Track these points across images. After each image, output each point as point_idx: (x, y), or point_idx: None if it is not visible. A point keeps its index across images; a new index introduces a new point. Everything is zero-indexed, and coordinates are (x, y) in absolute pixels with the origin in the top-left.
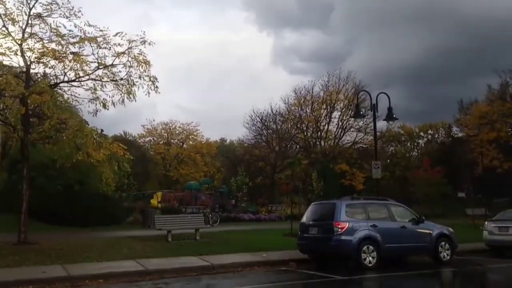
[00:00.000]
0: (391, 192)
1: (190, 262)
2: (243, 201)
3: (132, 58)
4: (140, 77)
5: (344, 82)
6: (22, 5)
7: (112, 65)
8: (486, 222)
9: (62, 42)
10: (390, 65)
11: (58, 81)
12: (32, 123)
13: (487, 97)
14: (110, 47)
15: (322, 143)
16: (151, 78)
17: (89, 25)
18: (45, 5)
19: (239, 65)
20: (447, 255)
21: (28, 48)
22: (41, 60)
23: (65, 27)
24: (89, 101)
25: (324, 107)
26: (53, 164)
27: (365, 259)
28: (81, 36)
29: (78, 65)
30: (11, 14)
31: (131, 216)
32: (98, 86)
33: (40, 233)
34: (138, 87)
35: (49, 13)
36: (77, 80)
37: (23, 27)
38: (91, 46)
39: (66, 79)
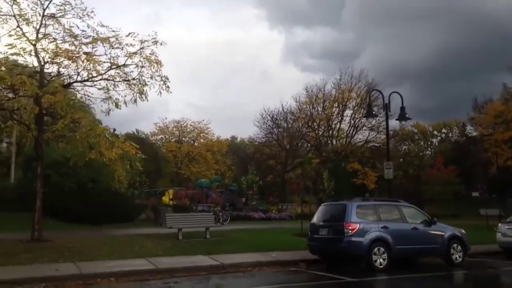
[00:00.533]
0: (404, 191)
1: (200, 261)
2: (253, 199)
3: (144, 58)
4: (151, 77)
5: (356, 80)
6: (36, 6)
7: (125, 65)
8: (499, 224)
9: (75, 42)
10: (404, 62)
11: (71, 81)
12: (46, 122)
13: (502, 96)
14: (122, 47)
15: (334, 141)
16: (163, 78)
17: (102, 26)
18: (59, 5)
19: (250, 63)
20: (459, 257)
21: (42, 49)
22: (55, 60)
23: (78, 28)
24: (102, 101)
25: (336, 105)
26: (67, 162)
27: (375, 260)
28: (93, 36)
29: (91, 65)
30: (25, 15)
31: (143, 213)
32: (110, 86)
33: (55, 231)
34: (150, 87)
35: (62, 13)
36: (90, 80)
37: (37, 27)
38: (104, 46)
39: (79, 78)
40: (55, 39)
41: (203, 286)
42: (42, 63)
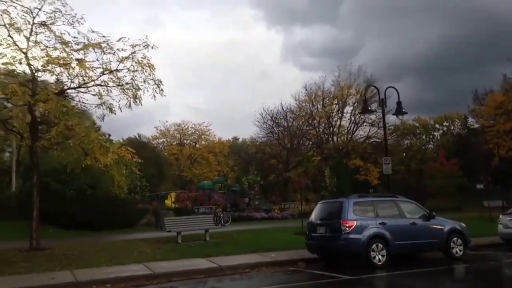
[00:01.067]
0: (406, 186)
1: (198, 264)
2: (256, 199)
3: (136, 62)
4: (144, 81)
5: (355, 76)
6: (25, 14)
7: (117, 70)
8: (501, 215)
9: (67, 49)
10: (403, 57)
11: (64, 88)
12: (41, 130)
13: (502, 87)
14: (114, 52)
15: (335, 138)
16: (156, 82)
17: (92, 31)
18: (49, 13)
19: (249, 64)
20: (460, 250)
21: (33, 57)
22: (47, 68)
23: (69, 34)
24: (96, 106)
25: (336, 102)
26: (65, 169)
27: (374, 257)
28: (84, 42)
29: (83, 71)
30: (16, 24)
31: (145, 218)
32: (104, 91)
33: (54, 238)
34: (144, 91)
35: (52, 21)
36: (82, 86)
37: (28, 35)
38: (95, 52)
39: (72, 85)
40: (46, 47)
41: None
42: (34, 71)
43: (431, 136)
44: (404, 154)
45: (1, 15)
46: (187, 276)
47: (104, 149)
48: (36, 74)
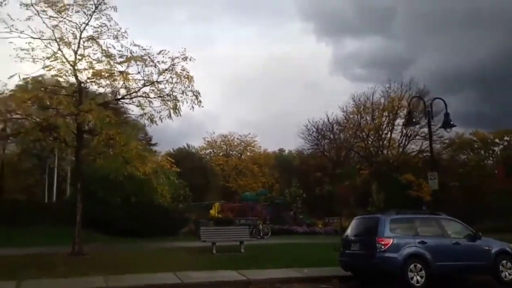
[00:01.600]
0: (462, 203)
1: (227, 276)
2: (300, 213)
3: (175, 74)
4: (183, 92)
5: (406, 87)
6: (73, 29)
7: (158, 82)
8: None
9: (111, 62)
10: (460, 69)
11: (109, 99)
12: (86, 140)
13: None
14: (155, 65)
15: (385, 151)
16: (194, 93)
17: (135, 45)
18: (96, 27)
19: (298, 76)
20: (510, 274)
21: (80, 69)
22: (93, 80)
23: (114, 48)
24: (137, 117)
25: (386, 114)
26: (110, 177)
27: (412, 278)
28: (127, 55)
29: (126, 83)
30: (65, 38)
31: (187, 226)
32: (145, 102)
33: (98, 244)
34: (183, 102)
35: (98, 35)
36: (125, 97)
37: (75, 49)
38: (137, 65)
39: (116, 96)
40: (92, 60)
41: None
42: (81, 83)
43: (490, 151)
44: (461, 170)
45: (53, 30)
46: None
47: (142, 158)
48: (82, 85)
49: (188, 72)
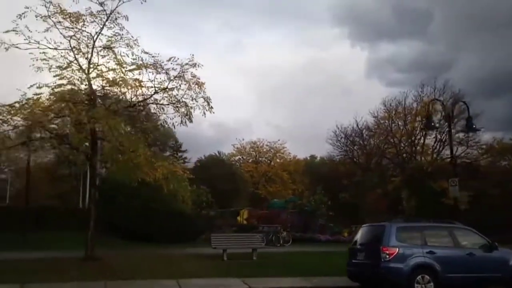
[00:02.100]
0: (500, 212)
1: (229, 284)
2: (331, 221)
3: (185, 81)
4: (193, 99)
5: (440, 91)
6: (87, 39)
7: (169, 89)
8: None
9: (123, 69)
10: (499, 72)
11: (120, 106)
12: (100, 147)
13: None
14: (166, 72)
15: (418, 158)
16: (206, 99)
17: (145, 53)
18: (110, 37)
19: (332, 81)
20: None
21: (93, 77)
22: (106, 88)
23: (128, 56)
24: (152, 123)
25: (419, 119)
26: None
27: None
28: (138, 63)
29: (138, 90)
30: (80, 47)
31: (206, 233)
32: (157, 109)
33: (112, 249)
34: (194, 108)
35: (110, 43)
36: (137, 105)
37: (89, 57)
38: (148, 73)
39: (128, 104)
40: (105, 68)
41: None
42: (94, 91)
43: None
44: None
45: (69, 40)
46: None
47: (150, 164)
48: (96, 93)
49: (198, 79)
